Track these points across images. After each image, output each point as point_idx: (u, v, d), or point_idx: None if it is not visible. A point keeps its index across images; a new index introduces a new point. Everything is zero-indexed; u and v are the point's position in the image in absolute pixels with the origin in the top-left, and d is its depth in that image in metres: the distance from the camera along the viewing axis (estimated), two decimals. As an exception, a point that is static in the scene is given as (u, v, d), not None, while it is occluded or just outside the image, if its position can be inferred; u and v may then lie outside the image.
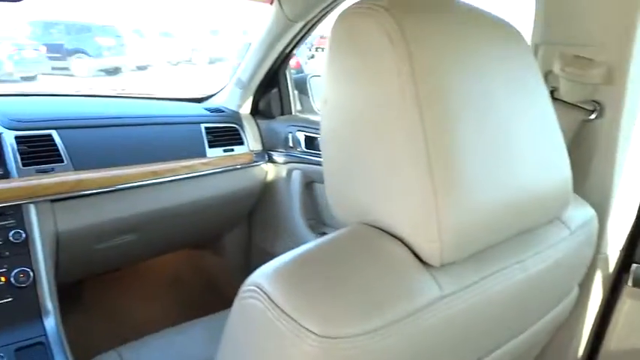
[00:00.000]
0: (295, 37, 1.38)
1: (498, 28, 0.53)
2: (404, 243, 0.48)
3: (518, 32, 0.55)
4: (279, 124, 1.60)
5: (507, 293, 0.54)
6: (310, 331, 0.41)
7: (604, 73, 0.72)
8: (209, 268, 1.90)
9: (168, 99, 1.67)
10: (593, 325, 0.85)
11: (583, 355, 0.87)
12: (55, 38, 9.51)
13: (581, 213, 0.67)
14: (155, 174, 1.34)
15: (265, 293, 0.44)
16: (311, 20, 1.32)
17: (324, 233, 1.52)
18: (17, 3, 1.10)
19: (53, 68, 9.35)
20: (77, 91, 1.59)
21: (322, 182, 1.50)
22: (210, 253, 1.88)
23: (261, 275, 0.46)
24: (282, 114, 1.62)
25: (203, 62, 12.01)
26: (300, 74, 1.67)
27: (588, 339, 0.85)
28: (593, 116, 0.75)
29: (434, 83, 0.44)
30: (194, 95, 1.73)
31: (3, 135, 1.16)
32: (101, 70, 9.97)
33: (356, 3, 0.49)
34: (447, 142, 0.44)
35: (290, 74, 1.58)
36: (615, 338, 0.84)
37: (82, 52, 9.72)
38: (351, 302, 0.43)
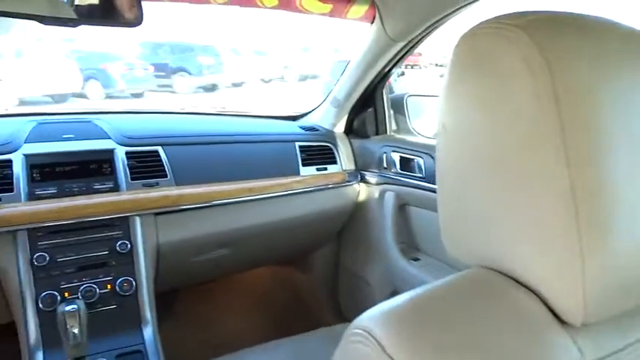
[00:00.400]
0: (395, 56, 1.34)
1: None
2: (537, 295, 0.41)
3: None
4: (373, 144, 1.56)
5: None
6: None
7: None
8: (295, 284, 1.89)
9: (264, 117, 1.71)
10: None
11: None
12: (161, 58, 10.30)
13: None
14: (251, 191, 1.36)
15: (376, 339, 0.40)
16: (413, 39, 1.27)
17: (416, 259, 1.45)
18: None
19: (158, 85, 10.12)
20: (181, 108, 1.67)
21: (417, 205, 1.43)
22: (298, 270, 1.87)
23: (372, 319, 0.42)
24: (377, 134, 1.58)
25: (294, 80, 12.37)
26: (397, 94, 1.62)
27: None
28: None
29: (581, 113, 0.38)
30: (288, 113, 1.75)
31: (116, 151, 1.24)
32: (200, 87, 10.63)
33: (484, 22, 0.44)
34: (596, 182, 0.38)
35: (387, 93, 1.55)
36: None
37: (184, 71, 10.42)
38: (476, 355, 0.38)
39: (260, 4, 1.14)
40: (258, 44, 12.59)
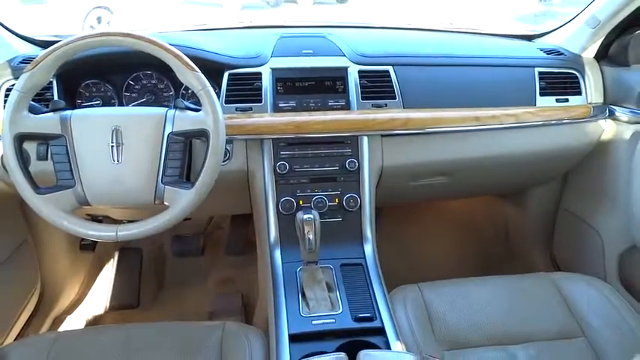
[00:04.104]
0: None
1: None
2: None
3: None
4: (634, 74, 1.29)
5: None
6: None
7: None
8: (507, 220, 1.78)
9: (498, 35, 1.54)
10: None
11: None
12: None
13: None
14: (477, 120, 1.27)
15: None
16: None
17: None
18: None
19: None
20: (409, 24, 1.59)
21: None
22: (512, 204, 1.75)
23: None
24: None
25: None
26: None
27: None
28: None
29: None
30: (525, 32, 1.54)
31: (350, 69, 1.25)
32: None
33: None
34: None
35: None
36: None
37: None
38: None
39: None
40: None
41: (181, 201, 0.96)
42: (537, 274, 1.22)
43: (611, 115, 1.35)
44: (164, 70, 1.22)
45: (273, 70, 1.23)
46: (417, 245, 1.79)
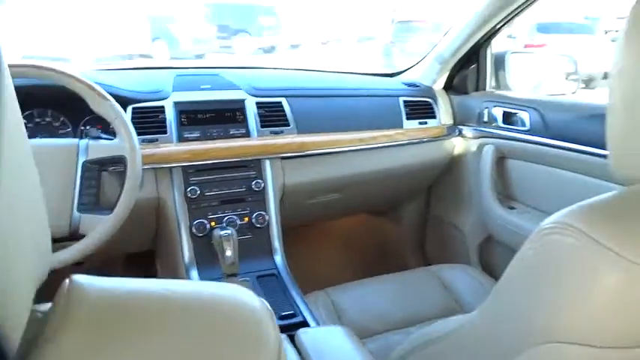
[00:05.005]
0: (512, 12, 1.39)
1: None
2: None
3: None
4: (472, 100, 1.64)
5: None
6: (623, 259, 0.47)
7: None
8: (386, 233, 2.03)
9: (368, 74, 1.81)
10: None
11: None
12: (223, 19, 10.44)
13: None
14: (361, 141, 1.48)
15: (577, 229, 0.50)
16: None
17: (512, 207, 1.54)
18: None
19: (220, 47, 10.31)
20: (295, 66, 1.81)
21: (516, 158, 1.51)
22: (389, 220, 2.00)
23: (570, 215, 0.52)
24: (477, 90, 1.65)
25: (352, 41, 12.25)
26: (499, 51, 1.67)
27: None
28: None
29: None
30: (389, 71, 1.84)
31: (247, 101, 1.38)
32: (259, 49, 10.74)
33: None
34: None
35: (491, 50, 1.61)
36: None
37: (245, 32, 10.54)
38: None
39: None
40: (316, 6, 12.49)
41: (100, 227, 0.98)
42: (421, 268, 1.44)
43: (460, 133, 1.67)
44: (60, 107, 1.23)
45: (176, 103, 1.31)
46: (317, 260, 1.93)
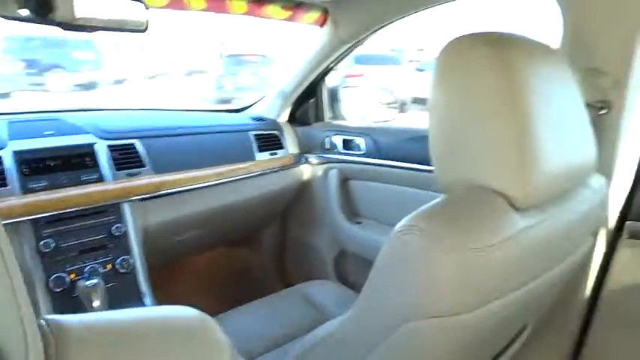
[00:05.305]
0: (342, 54, 1.61)
1: (548, 55, 0.77)
2: (501, 194, 0.69)
3: (561, 55, 0.80)
4: (314, 130, 1.82)
5: (555, 234, 0.77)
6: (456, 246, 0.62)
7: (611, 81, 0.98)
8: (246, 261, 2.09)
9: (215, 110, 1.88)
10: (599, 270, 1.12)
11: (590, 292, 1.13)
12: (32, 53, 9.45)
13: (597, 180, 0.91)
14: (219, 175, 1.54)
15: (421, 228, 0.65)
16: (362, 40, 1.55)
17: (359, 222, 1.74)
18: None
19: (29, 84, 9.29)
20: (140, 106, 1.77)
21: (358, 178, 1.73)
22: (248, 249, 2.08)
23: (414, 218, 0.67)
24: (317, 121, 1.85)
25: (180, 75, 12.11)
26: (332, 85, 1.89)
27: (595, 280, 1.13)
28: (603, 112, 1.01)
29: (519, 94, 0.67)
30: (236, 107, 1.94)
31: (97, 145, 1.34)
32: (77, 85, 9.95)
33: (460, 37, 0.72)
34: (527, 127, 0.67)
35: (326, 86, 1.81)
36: (614, 279, 1.12)
37: (59, 67, 9.67)
38: (474, 230, 0.65)
39: (231, 11, 1.33)
40: (141, 39, 12.08)
41: None
42: (285, 290, 1.54)
43: (307, 160, 1.84)
44: None
45: (16, 152, 1.22)
46: (186, 297, 1.90)
